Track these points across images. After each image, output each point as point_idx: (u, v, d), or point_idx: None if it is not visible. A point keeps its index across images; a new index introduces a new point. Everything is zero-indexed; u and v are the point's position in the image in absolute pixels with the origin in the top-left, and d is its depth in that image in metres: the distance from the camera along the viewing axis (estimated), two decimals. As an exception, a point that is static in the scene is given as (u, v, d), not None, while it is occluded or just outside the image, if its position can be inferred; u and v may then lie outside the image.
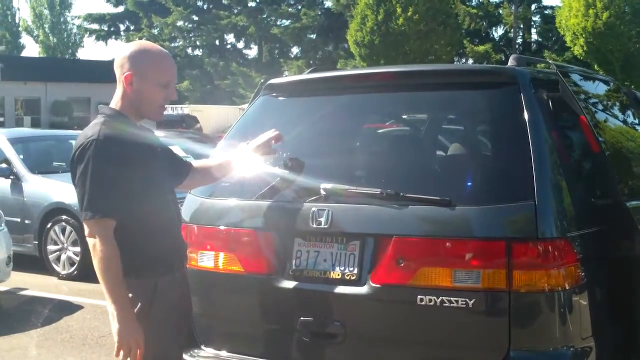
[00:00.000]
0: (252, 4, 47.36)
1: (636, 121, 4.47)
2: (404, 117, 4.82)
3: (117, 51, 2.91)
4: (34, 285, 8.02)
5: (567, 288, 2.83)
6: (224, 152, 3.51)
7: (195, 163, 3.27)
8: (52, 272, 8.53)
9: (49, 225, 8.55)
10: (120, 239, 2.68)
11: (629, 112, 4.43)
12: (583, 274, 2.91)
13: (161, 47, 2.93)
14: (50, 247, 8.56)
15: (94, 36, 53.66)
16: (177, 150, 11.66)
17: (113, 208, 2.66)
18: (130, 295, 2.71)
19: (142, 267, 2.75)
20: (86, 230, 2.69)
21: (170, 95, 2.86)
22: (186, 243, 3.15)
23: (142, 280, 2.74)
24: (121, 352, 2.66)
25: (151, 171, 2.80)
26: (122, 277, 2.66)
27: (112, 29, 53.50)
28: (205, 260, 3.41)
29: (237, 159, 3.23)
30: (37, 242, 8.63)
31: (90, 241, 2.67)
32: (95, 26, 53.58)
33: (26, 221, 8.68)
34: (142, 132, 2.85)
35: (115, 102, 2.85)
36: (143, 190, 2.74)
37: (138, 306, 2.72)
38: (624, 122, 4.31)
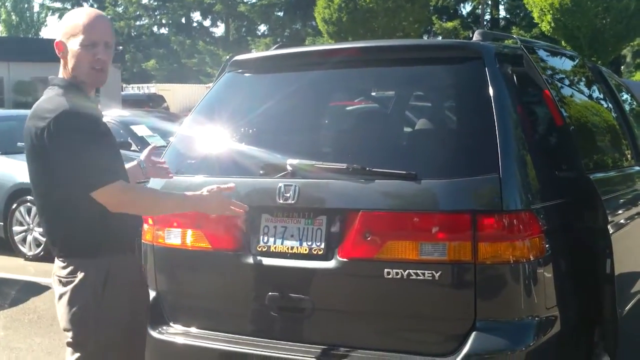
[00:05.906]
0: (218, -19, 46.96)
1: (600, 96, 4.52)
2: (372, 94, 4.81)
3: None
4: (0, 266, 7.92)
5: (531, 259, 2.87)
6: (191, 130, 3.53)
7: None
8: (18, 253, 8.46)
9: (14, 206, 8.46)
10: (83, 215, 2.63)
11: (594, 87, 4.48)
12: (547, 245, 2.96)
13: (93, 9, 2.86)
14: (16, 228, 8.48)
15: (57, 14, 52.86)
16: (143, 129, 11.57)
17: (117, 170, 2.68)
18: (85, 274, 2.66)
19: (102, 244, 2.69)
20: (107, 199, 2.61)
21: (98, 54, 2.71)
22: (141, 219, 3.17)
23: (99, 258, 2.68)
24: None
25: (115, 142, 2.79)
26: (163, 192, 3.05)
27: (75, 7, 52.69)
28: (173, 237, 3.40)
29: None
30: (2, 224, 8.54)
31: (121, 203, 2.65)
32: (58, 4, 52.81)
33: (-10, 202, 8.57)
34: (92, 104, 2.76)
35: (60, 74, 2.77)
36: (113, 162, 2.69)
37: (95, 285, 2.66)
38: (589, 96, 4.35)
